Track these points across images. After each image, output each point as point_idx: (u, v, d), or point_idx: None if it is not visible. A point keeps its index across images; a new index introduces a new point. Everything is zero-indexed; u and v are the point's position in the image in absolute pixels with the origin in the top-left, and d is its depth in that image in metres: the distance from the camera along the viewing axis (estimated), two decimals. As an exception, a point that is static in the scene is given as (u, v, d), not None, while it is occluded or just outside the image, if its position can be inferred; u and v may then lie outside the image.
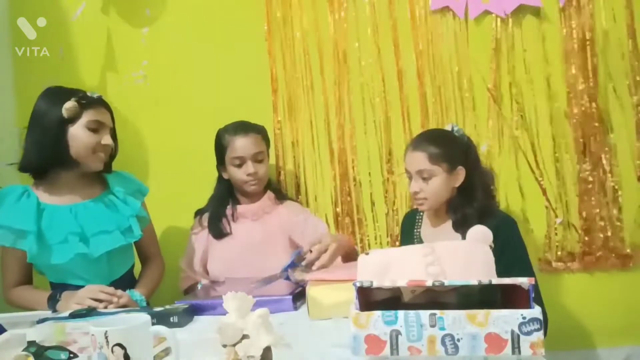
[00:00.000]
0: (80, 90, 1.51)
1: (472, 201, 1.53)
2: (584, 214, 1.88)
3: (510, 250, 1.46)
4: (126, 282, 1.56)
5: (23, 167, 1.50)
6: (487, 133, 1.91)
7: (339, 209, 1.96)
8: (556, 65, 1.90)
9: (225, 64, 1.97)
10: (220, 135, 1.75)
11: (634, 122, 1.88)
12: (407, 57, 1.93)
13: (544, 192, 1.90)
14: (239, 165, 1.70)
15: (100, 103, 1.52)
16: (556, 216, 1.90)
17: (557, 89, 1.90)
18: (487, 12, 1.90)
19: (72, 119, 1.46)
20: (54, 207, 1.48)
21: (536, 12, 1.89)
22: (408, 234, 1.71)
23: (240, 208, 1.76)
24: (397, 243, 1.93)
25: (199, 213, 1.80)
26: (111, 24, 1.97)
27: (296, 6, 1.96)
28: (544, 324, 1.45)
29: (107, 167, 1.60)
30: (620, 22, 1.88)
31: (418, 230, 1.68)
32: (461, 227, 1.52)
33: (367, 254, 1.01)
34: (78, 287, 1.41)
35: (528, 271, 1.50)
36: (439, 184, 1.53)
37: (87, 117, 1.47)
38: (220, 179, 1.80)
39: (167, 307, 1.26)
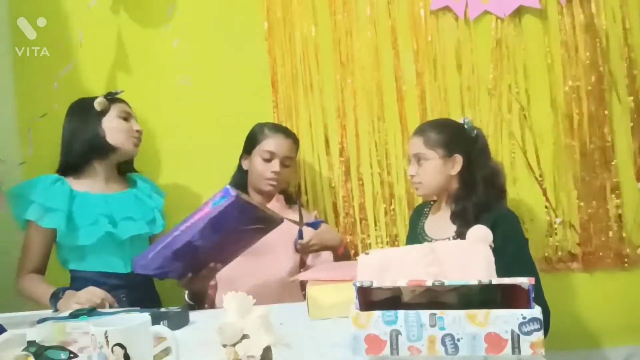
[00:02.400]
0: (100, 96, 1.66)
1: (472, 195, 1.54)
2: (583, 213, 1.88)
3: (509, 246, 1.44)
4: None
5: (62, 167, 1.62)
6: (487, 133, 1.90)
7: (339, 209, 1.96)
8: (556, 65, 1.90)
9: (225, 63, 1.97)
10: (258, 128, 1.76)
11: (633, 121, 1.88)
12: (406, 57, 1.93)
13: (544, 192, 1.90)
14: (267, 160, 1.71)
15: (122, 99, 1.69)
16: (556, 216, 1.90)
17: (557, 89, 1.90)
18: (487, 12, 1.90)
19: (104, 112, 1.62)
20: (86, 194, 1.59)
21: (536, 12, 1.89)
22: (414, 226, 1.72)
23: None
24: (397, 243, 1.93)
25: None
26: (109, 22, 1.98)
27: (296, 6, 1.96)
28: (546, 319, 1.45)
29: (130, 166, 1.74)
30: (619, 22, 1.88)
31: (423, 222, 1.69)
32: (458, 219, 1.53)
33: (367, 254, 1.01)
34: (106, 275, 1.54)
35: (528, 267, 1.50)
36: (433, 168, 1.56)
37: (116, 109, 1.64)
38: (239, 169, 1.80)
39: (163, 309, 1.26)
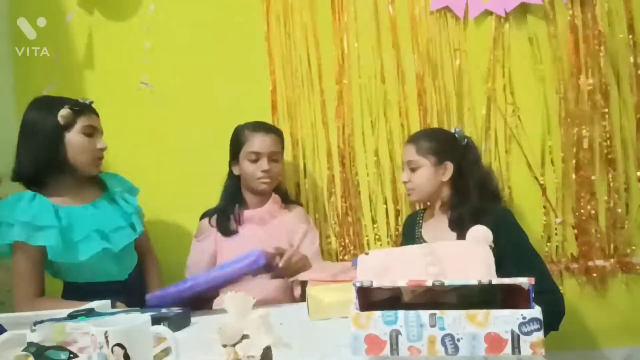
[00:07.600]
0: (69, 99, 1.52)
1: (466, 201, 1.58)
2: (584, 214, 1.88)
3: (514, 241, 1.53)
4: (138, 274, 1.64)
5: (17, 176, 1.50)
6: (487, 133, 1.91)
7: (339, 209, 1.96)
8: (556, 64, 1.89)
9: (225, 64, 1.97)
10: (239, 130, 1.75)
11: (635, 121, 1.88)
12: (406, 57, 1.93)
13: (544, 192, 1.90)
14: (254, 161, 1.71)
15: (90, 109, 1.54)
16: (556, 216, 1.90)
17: (557, 88, 1.89)
18: (487, 12, 1.90)
19: (67, 126, 1.47)
20: (69, 208, 1.48)
21: (537, 11, 1.89)
22: (410, 234, 1.74)
23: (247, 213, 1.74)
24: (397, 243, 1.93)
25: (205, 215, 1.78)
26: (111, 23, 1.98)
27: (296, 6, 1.96)
28: (560, 301, 1.53)
29: None
30: (620, 21, 1.88)
31: (419, 230, 1.70)
32: (456, 226, 1.57)
33: (367, 254, 1.01)
34: (103, 284, 1.49)
35: (535, 257, 1.56)
36: (426, 175, 1.61)
37: (81, 123, 1.49)
38: (230, 175, 1.79)
39: (164, 310, 1.26)
